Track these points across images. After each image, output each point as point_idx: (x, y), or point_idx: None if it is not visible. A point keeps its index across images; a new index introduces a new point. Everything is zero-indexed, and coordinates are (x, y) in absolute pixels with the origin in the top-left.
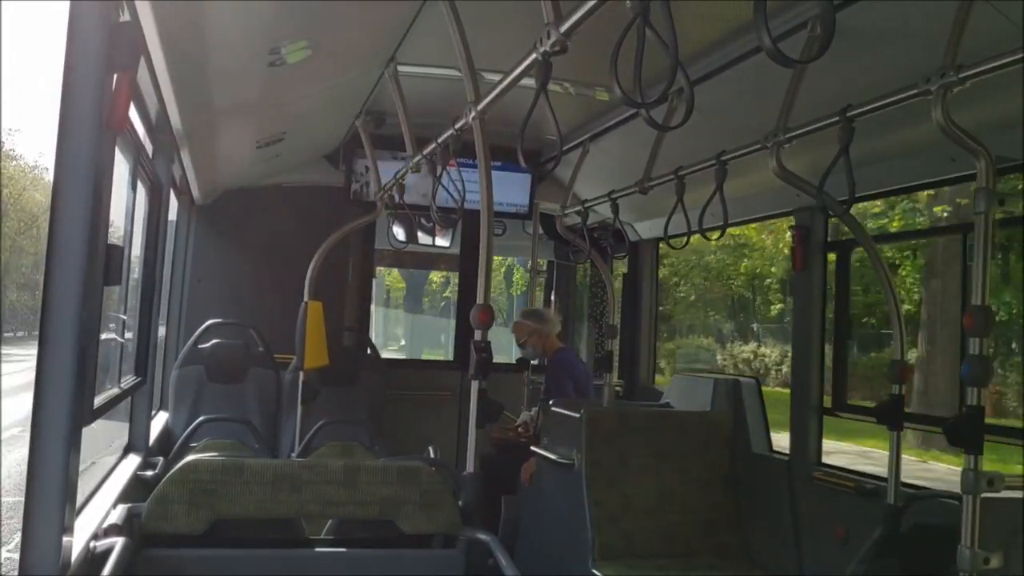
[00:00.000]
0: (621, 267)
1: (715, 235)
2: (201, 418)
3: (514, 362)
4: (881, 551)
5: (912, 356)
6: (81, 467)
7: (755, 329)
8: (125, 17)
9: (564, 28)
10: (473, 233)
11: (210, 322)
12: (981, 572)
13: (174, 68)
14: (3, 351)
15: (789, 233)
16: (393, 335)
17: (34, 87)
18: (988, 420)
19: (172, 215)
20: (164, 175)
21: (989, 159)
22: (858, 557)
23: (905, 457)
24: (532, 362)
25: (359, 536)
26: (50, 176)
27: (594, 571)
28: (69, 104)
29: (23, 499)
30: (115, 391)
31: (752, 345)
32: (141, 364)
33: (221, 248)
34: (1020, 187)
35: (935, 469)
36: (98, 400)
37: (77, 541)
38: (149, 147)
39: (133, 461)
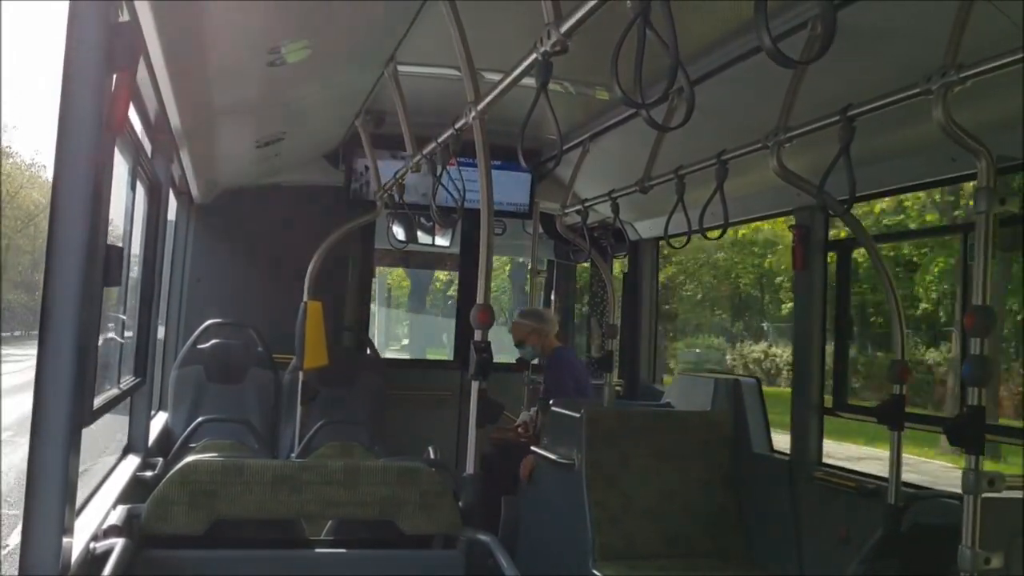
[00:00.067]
0: (621, 267)
1: (718, 233)
2: (200, 418)
3: (514, 362)
4: (882, 551)
5: (931, 356)
6: (86, 464)
7: (765, 328)
8: (124, 17)
9: (564, 28)
10: (473, 232)
11: (209, 322)
12: (982, 572)
13: (173, 68)
14: (2, 351)
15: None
16: (396, 335)
17: (32, 86)
18: (1010, 422)
19: (171, 215)
20: (163, 175)
21: (990, 159)
22: (859, 557)
23: (941, 464)
24: (532, 362)
25: (359, 537)
26: (47, 174)
27: (594, 571)
28: (68, 104)
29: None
30: (115, 392)
31: (763, 345)
32: (140, 364)
33: (220, 248)
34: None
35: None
36: (97, 401)
37: (77, 542)
38: (148, 147)
39: (132, 462)
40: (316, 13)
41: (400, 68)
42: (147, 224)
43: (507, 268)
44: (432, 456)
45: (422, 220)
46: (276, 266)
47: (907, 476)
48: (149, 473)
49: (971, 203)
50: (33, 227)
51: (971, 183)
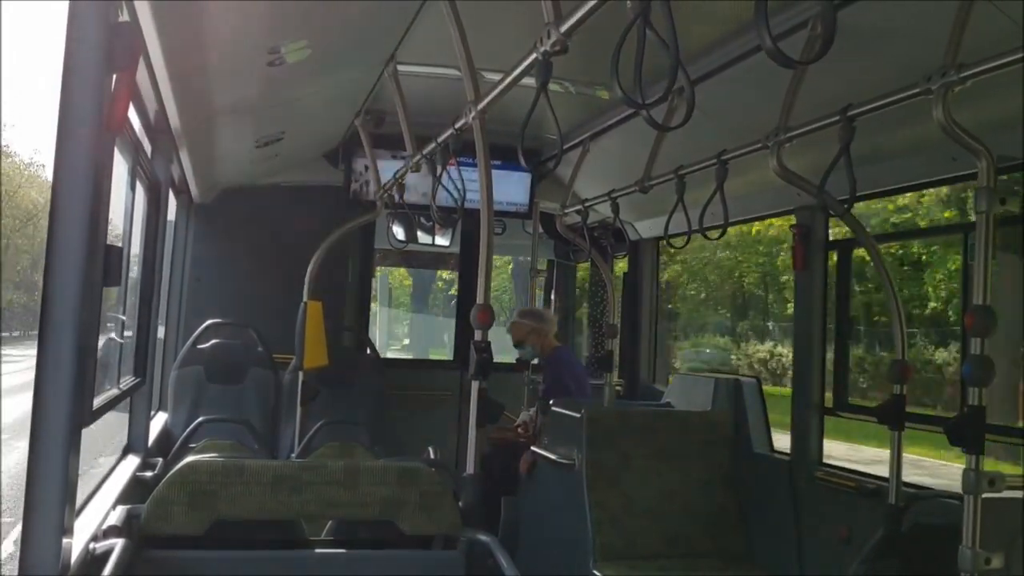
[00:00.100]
0: (622, 266)
1: (718, 233)
2: (200, 419)
3: (514, 362)
4: (882, 551)
5: (941, 356)
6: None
7: (771, 328)
8: (124, 17)
9: (564, 28)
10: (473, 232)
11: (209, 322)
12: (982, 572)
13: (173, 68)
14: (1, 351)
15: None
16: (398, 335)
17: (31, 85)
18: None
19: (171, 215)
20: (163, 175)
21: (990, 158)
22: (859, 557)
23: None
24: (532, 362)
25: (359, 537)
26: (45, 173)
27: (595, 572)
28: (68, 104)
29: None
30: (114, 392)
31: (768, 344)
32: (140, 364)
33: (220, 248)
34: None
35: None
36: (97, 401)
37: (76, 542)
38: (148, 147)
39: (132, 462)
40: (316, 13)
41: (400, 68)
42: (147, 224)
43: (510, 267)
44: (432, 456)
45: (422, 220)
46: (276, 266)
47: (925, 481)
48: (149, 473)
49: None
50: (32, 226)
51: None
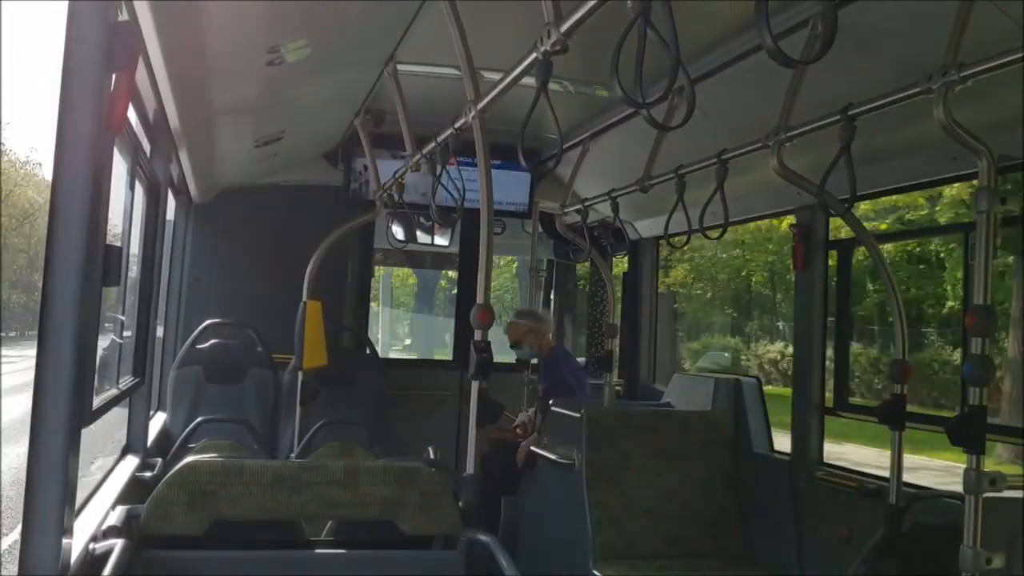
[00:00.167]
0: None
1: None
2: (199, 419)
3: (514, 362)
4: (883, 551)
5: (959, 356)
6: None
7: (781, 328)
8: (124, 17)
9: (565, 28)
10: (473, 232)
11: (208, 322)
12: (983, 572)
13: (172, 67)
14: (1, 352)
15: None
16: (401, 335)
17: (27, 84)
18: None
19: (170, 214)
20: (162, 174)
21: (991, 158)
22: (860, 557)
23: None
24: (532, 362)
25: (359, 537)
26: (42, 172)
27: (595, 572)
28: (68, 104)
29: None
30: (113, 392)
31: (779, 345)
32: (139, 364)
33: (219, 247)
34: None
35: None
36: (96, 401)
37: (76, 543)
38: (147, 146)
39: (131, 462)
40: (315, 12)
41: (400, 67)
42: (146, 224)
43: (514, 266)
44: (432, 456)
45: (421, 220)
46: (275, 266)
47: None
48: (148, 474)
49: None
50: (28, 225)
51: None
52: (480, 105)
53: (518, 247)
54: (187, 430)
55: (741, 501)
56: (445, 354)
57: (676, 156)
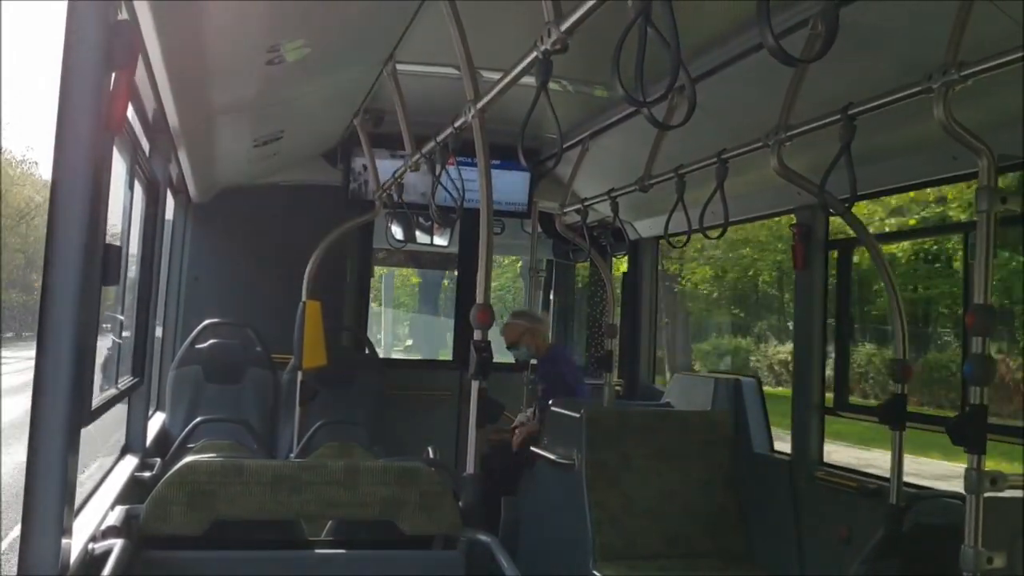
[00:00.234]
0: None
1: (715, 233)
2: (198, 419)
3: (514, 362)
4: (883, 551)
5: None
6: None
7: (791, 328)
8: (123, 16)
9: (565, 26)
10: (472, 232)
11: (207, 322)
12: (984, 572)
13: (172, 67)
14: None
15: None
16: (404, 336)
17: (25, 83)
18: None
19: (169, 214)
20: (161, 174)
21: (991, 157)
22: (860, 557)
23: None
24: (532, 362)
25: (359, 537)
26: (39, 171)
27: (595, 572)
28: (67, 103)
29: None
30: (112, 392)
31: (789, 346)
32: (138, 364)
33: (218, 247)
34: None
35: None
36: (95, 401)
37: (75, 543)
38: (146, 146)
39: (130, 462)
40: (315, 12)
41: (399, 67)
42: (145, 223)
43: (518, 265)
44: (432, 456)
45: (420, 220)
46: (274, 265)
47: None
48: (147, 474)
49: None
50: (25, 225)
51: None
52: (480, 105)
53: (517, 247)
54: (186, 430)
55: (741, 501)
56: (448, 356)
57: (676, 156)
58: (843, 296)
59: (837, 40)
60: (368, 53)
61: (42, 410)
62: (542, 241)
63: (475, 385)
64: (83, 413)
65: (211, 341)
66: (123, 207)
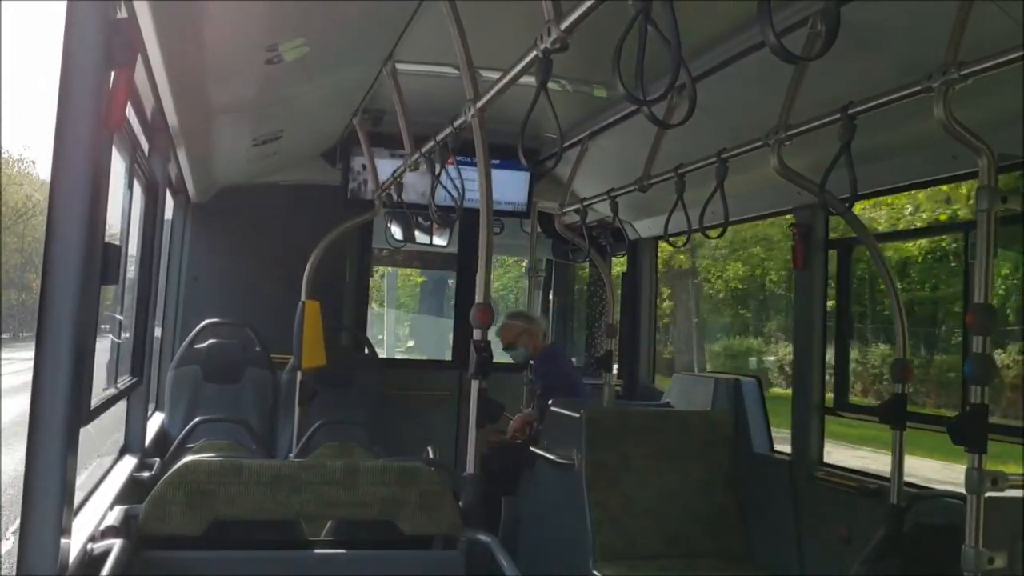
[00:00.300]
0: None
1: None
2: (197, 419)
3: (513, 361)
4: (884, 551)
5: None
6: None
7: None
8: (122, 14)
9: (565, 25)
10: (471, 232)
11: (206, 322)
12: (985, 572)
13: (171, 66)
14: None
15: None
16: (407, 337)
17: (23, 81)
18: None
19: (168, 214)
20: (160, 173)
21: (991, 156)
22: (861, 557)
23: None
24: (532, 362)
25: (359, 537)
26: (36, 170)
27: (595, 572)
28: (67, 102)
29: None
30: (111, 391)
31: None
32: (137, 364)
33: (217, 247)
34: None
35: None
36: (94, 401)
37: (74, 543)
38: (145, 145)
39: (129, 462)
40: (314, 11)
41: (398, 66)
42: (144, 223)
43: (522, 265)
44: (431, 456)
45: (420, 219)
46: (274, 265)
47: None
48: (146, 474)
49: None
50: (22, 224)
51: None
52: (479, 104)
53: (517, 247)
54: (185, 430)
55: (741, 501)
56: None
57: (675, 155)
58: (843, 296)
59: (837, 39)
60: (367, 52)
61: (41, 409)
62: (541, 241)
63: (475, 385)
64: (82, 413)
65: (210, 341)
66: (122, 207)
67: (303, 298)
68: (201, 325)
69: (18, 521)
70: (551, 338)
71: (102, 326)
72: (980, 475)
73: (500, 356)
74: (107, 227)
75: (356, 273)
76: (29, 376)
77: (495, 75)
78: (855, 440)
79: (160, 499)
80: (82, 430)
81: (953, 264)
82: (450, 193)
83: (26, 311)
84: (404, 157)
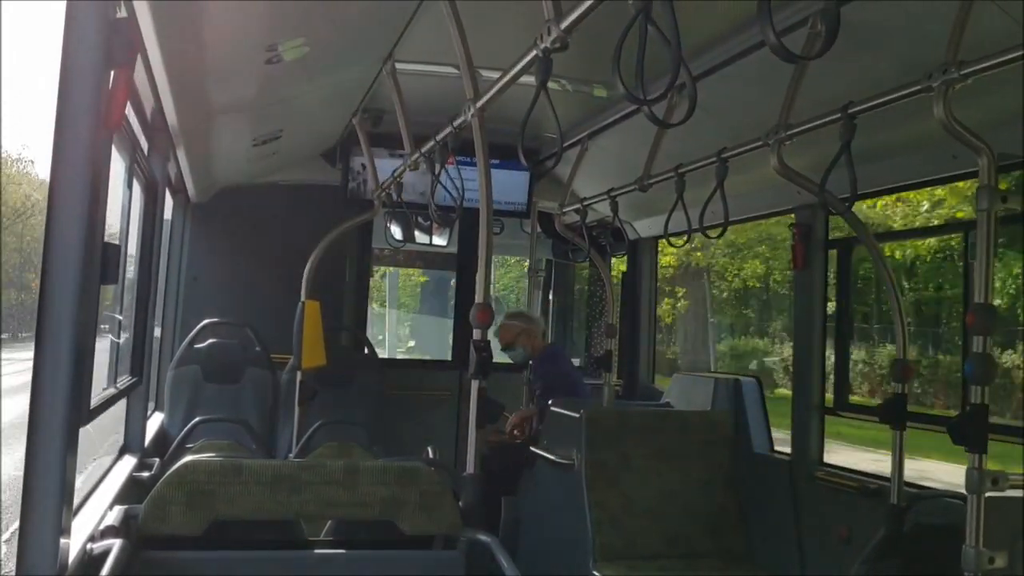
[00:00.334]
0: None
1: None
2: (197, 419)
3: (513, 361)
4: (884, 551)
5: (1010, 359)
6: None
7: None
8: (122, 14)
9: (565, 25)
10: (471, 232)
11: (206, 322)
12: (986, 572)
13: (170, 65)
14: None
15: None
16: (408, 337)
17: (22, 80)
18: None
19: (167, 214)
20: (160, 173)
21: (991, 156)
22: (861, 557)
23: None
24: (531, 362)
25: (359, 537)
26: (35, 169)
27: (595, 572)
28: (66, 101)
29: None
30: (111, 391)
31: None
32: (137, 364)
33: (217, 247)
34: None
35: None
36: (94, 400)
37: (74, 543)
38: (144, 145)
39: (129, 462)
40: (314, 11)
41: (398, 66)
42: (143, 223)
43: (524, 265)
44: (431, 456)
45: (419, 219)
46: (273, 265)
47: None
48: (146, 474)
49: None
50: (21, 224)
51: None
52: (479, 104)
53: (517, 247)
54: (185, 430)
55: (741, 501)
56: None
57: (675, 155)
58: (843, 296)
59: (837, 39)
60: (367, 52)
61: (41, 409)
62: (541, 241)
63: (475, 385)
64: (82, 412)
65: (210, 341)
66: (122, 206)
67: (303, 298)
68: (201, 325)
69: (17, 522)
70: (551, 338)
71: (102, 326)
72: (980, 475)
73: (500, 356)
74: (107, 227)
75: (356, 273)
76: (28, 377)
77: (495, 75)
78: (869, 443)
79: (160, 499)
80: (81, 430)
81: (961, 264)
82: (450, 193)
83: (25, 311)
84: (404, 157)
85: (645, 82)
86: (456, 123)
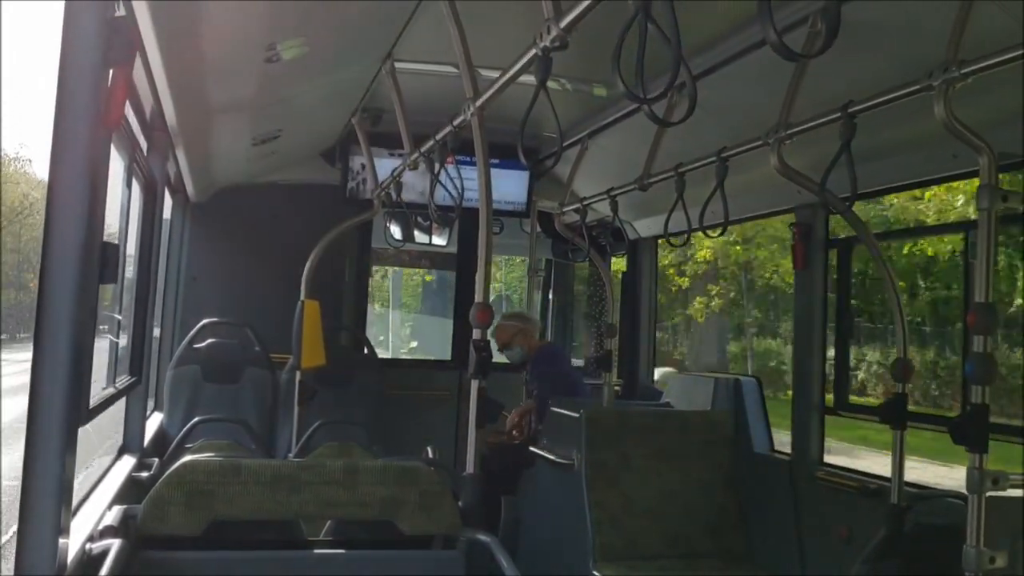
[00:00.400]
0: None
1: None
2: (196, 418)
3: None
4: (885, 551)
5: None
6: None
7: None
8: (121, 12)
9: (564, 23)
10: (471, 231)
11: (205, 321)
12: (986, 572)
13: (169, 64)
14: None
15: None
16: (411, 337)
17: (21, 79)
18: None
19: (167, 213)
20: (159, 172)
21: (992, 155)
22: (861, 557)
23: None
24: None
25: (358, 537)
26: (33, 168)
27: (595, 572)
28: (65, 100)
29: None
30: (110, 391)
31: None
32: (136, 364)
33: (216, 246)
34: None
35: None
36: (93, 400)
37: (73, 543)
38: (144, 144)
39: (128, 462)
40: (313, 10)
41: (397, 65)
42: (142, 222)
43: (526, 265)
44: (431, 456)
45: (419, 219)
46: (273, 265)
47: None
48: (145, 474)
49: None
50: (19, 223)
51: None
52: (479, 103)
53: (516, 247)
54: (184, 430)
55: (741, 501)
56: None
57: (675, 154)
58: (843, 296)
59: (838, 38)
60: (366, 51)
61: (39, 409)
62: (541, 241)
63: (474, 385)
64: (81, 412)
65: (209, 340)
66: (121, 206)
67: (302, 298)
68: (200, 325)
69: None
70: (551, 338)
71: (101, 326)
72: (981, 475)
73: (500, 356)
74: (105, 226)
75: (356, 273)
76: (26, 378)
77: (494, 74)
78: (885, 446)
79: (159, 499)
80: (80, 430)
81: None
82: (449, 192)
83: (23, 311)
84: (403, 156)
85: (645, 81)
86: (456, 122)
